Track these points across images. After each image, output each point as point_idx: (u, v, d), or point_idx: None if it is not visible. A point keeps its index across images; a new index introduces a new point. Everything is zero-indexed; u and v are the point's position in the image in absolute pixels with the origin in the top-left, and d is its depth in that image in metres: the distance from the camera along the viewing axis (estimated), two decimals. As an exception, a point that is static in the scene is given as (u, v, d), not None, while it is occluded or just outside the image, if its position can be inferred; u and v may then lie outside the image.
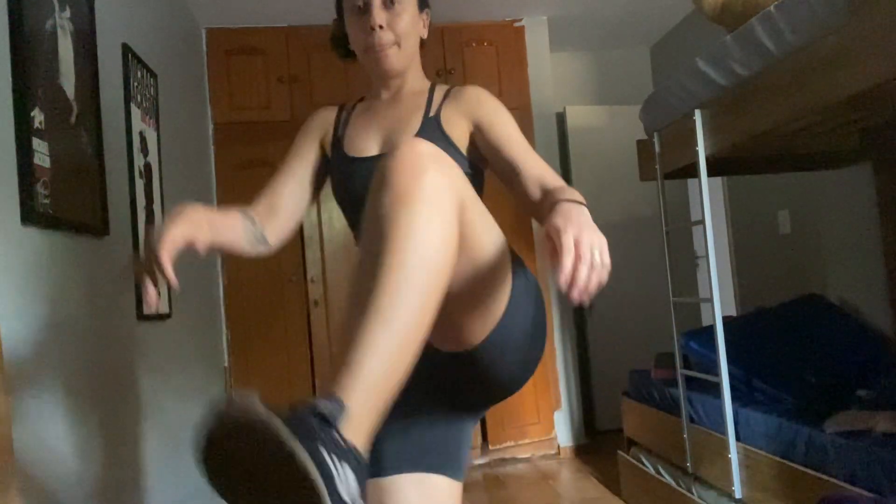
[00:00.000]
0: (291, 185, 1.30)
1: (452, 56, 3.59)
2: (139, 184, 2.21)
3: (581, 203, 0.93)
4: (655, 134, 2.40)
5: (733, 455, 2.01)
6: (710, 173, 2.14)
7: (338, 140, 1.30)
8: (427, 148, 0.87)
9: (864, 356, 2.30)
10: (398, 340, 0.77)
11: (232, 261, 3.30)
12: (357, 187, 1.19)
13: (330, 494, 0.64)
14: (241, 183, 3.23)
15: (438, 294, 0.84)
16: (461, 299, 0.97)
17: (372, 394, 0.74)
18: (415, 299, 0.80)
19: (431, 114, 1.23)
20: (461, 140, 1.22)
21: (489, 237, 0.99)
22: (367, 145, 1.25)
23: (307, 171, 1.31)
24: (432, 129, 1.21)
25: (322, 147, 1.33)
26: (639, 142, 2.65)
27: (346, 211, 1.28)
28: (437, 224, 0.83)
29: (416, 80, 1.31)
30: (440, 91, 1.29)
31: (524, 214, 3.30)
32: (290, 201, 1.29)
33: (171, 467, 2.29)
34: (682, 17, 3.91)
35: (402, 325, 0.78)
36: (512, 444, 3.54)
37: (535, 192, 1.10)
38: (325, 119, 1.34)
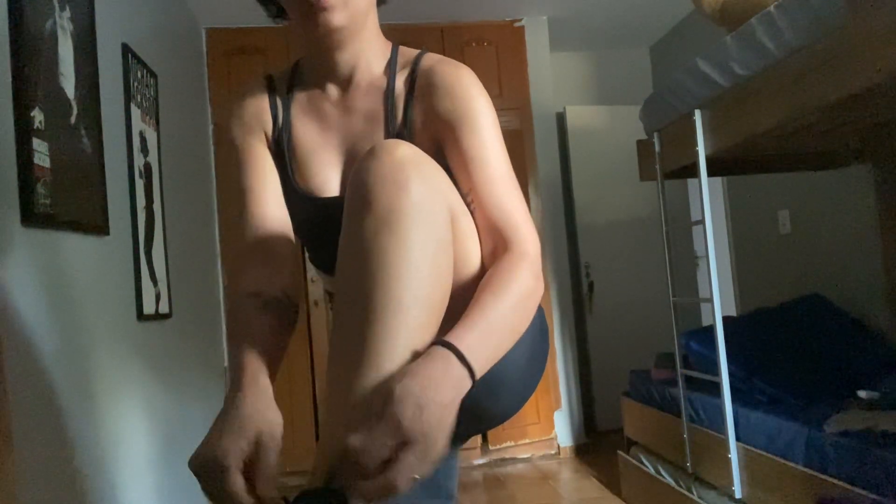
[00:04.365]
0: (275, 211, 1.01)
1: (452, 56, 3.55)
2: (139, 184, 2.21)
3: (462, 357, 0.73)
4: (655, 134, 2.40)
5: (733, 455, 2.01)
6: (710, 173, 2.14)
7: (281, 152, 1.02)
8: (406, 151, 0.77)
9: (864, 356, 2.30)
10: None
11: (232, 261, 3.29)
12: (320, 226, 1.00)
13: None
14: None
15: (435, 330, 0.78)
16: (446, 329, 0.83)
17: None
18: (416, 341, 0.74)
19: (397, 128, 0.98)
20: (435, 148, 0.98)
21: (476, 249, 0.89)
22: (325, 180, 1.01)
23: (277, 184, 1.03)
24: None
25: (268, 147, 1.05)
26: (639, 142, 2.65)
27: (304, 239, 1.10)
28: (430, 250, 0.75)
29: (371, 60, 1.01)
30: (403, 73, 1.02)
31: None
32: (285, 235, 1.02)
33: (169, 467, 2.29)
34: (682, 17, 3.91)
35: None
36: (512, 444, 3.54)
37: (486, 241, 0.90)
38: (256, 113, 1.04)
